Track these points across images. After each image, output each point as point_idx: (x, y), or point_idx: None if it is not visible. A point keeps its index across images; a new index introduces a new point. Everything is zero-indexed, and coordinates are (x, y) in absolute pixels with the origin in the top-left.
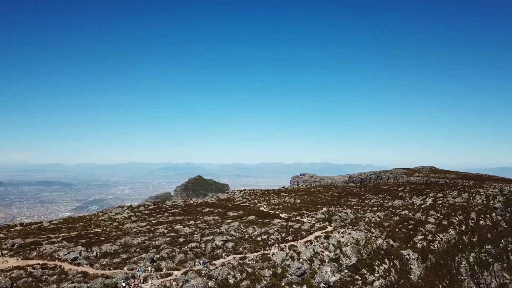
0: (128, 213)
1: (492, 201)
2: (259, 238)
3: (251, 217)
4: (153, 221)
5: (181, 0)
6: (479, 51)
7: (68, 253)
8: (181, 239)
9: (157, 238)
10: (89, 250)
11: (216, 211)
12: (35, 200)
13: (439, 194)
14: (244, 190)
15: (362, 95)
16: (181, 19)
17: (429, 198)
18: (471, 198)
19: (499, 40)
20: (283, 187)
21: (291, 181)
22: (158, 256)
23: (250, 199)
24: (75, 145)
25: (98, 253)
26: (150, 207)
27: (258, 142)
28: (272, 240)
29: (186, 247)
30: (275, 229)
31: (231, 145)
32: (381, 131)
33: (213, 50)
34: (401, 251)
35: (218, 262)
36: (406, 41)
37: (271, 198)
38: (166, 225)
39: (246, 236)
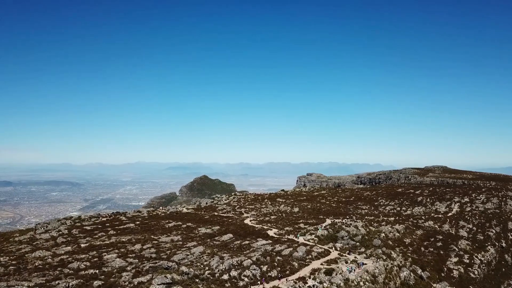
0: (59, 231)
1: None
2: (225, 276)
3: (227, 237)
4: (83, 245)
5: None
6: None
7: None
8: (97, 283)
9: (57, 282)
10: None
11: (184, 226)
12: (43, 199)
13: (465, 199)
14: (235, 194)
15: (369, 94)
16: (186, 18)
17: (455, 204)
18: (502, 203)
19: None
20: (282, 190)
21: (297, 181)
22: None
23: (237, 206)
24: (84, 145)
25: None
26: (100, 220)
27: (265, 142)
28: (245, 279)
29: None
30: (255, 257)
31: (238, 145)
32: (388, 131)
33: (220, 49)
34: (434, 285)
35: None
36: (415, 40)
37: (263, 206)
38: (95, 252)
39: (207, 272)
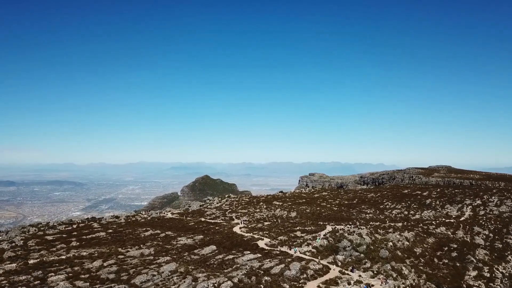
0: (12, 242)
1: None
2: None
3: (208, 249)
4: (32, 261)
5: None
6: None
7: None
8: None
9: None
10: None
11: (163, 235)
12: (46, 199)
13: (477, 201)
14: (228, 196)
15: (371, 94)
16: (187, 17)
17: (467, 207)
18: None
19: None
20: (281, 191)
21: (299, 181)
22: None
23: (228, 211)
24: (86, 145)
25: None
26: (67, 228)
27: (268, 142)
28: None
29: None
30: (237, 278)
31: (241, 144)
32: (391, 130)
33: (223, 48)
34: None
35: None
36: (417, 39)
37: (257, 210)
38: (41, 271)
39: None
